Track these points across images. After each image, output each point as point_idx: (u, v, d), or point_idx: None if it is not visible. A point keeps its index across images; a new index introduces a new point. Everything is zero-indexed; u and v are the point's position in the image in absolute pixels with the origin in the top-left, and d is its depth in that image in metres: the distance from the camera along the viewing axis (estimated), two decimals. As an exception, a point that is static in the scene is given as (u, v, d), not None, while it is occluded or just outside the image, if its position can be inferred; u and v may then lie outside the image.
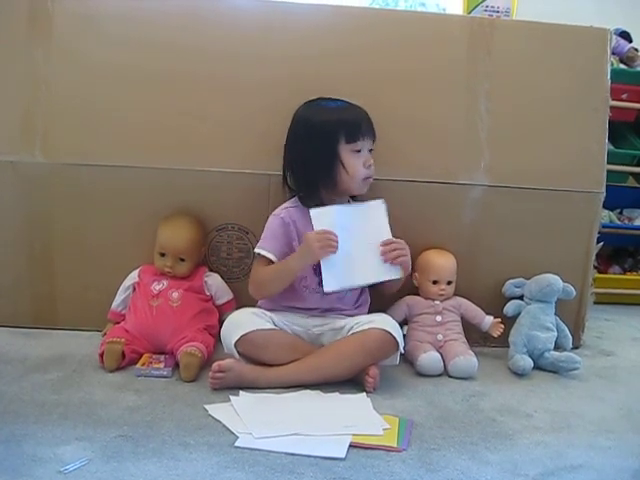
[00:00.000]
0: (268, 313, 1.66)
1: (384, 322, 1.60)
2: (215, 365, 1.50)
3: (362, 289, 1.75)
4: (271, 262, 1.65)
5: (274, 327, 1.62)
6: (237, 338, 1.55)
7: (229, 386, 1.50)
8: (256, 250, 1.68)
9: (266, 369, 1.56)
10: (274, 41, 1.86)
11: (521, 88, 1.92)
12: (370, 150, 1.69)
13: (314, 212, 1.61)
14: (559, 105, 1.94)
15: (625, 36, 2.83)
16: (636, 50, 2.78)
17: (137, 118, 1.83)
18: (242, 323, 1.59)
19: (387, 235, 1.65)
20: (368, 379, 1.55)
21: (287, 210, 1.69)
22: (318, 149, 1.65)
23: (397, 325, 1.62)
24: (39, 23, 1.82)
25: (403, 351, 1.63)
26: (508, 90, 1.92)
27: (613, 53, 2.62)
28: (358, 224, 1.64)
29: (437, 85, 1.90)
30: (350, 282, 1.65)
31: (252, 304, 1.72)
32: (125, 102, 1.83)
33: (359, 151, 1.66)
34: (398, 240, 1.65)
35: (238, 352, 1.57)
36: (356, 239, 1.62)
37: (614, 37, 2.53)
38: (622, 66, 2.73)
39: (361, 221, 1.65)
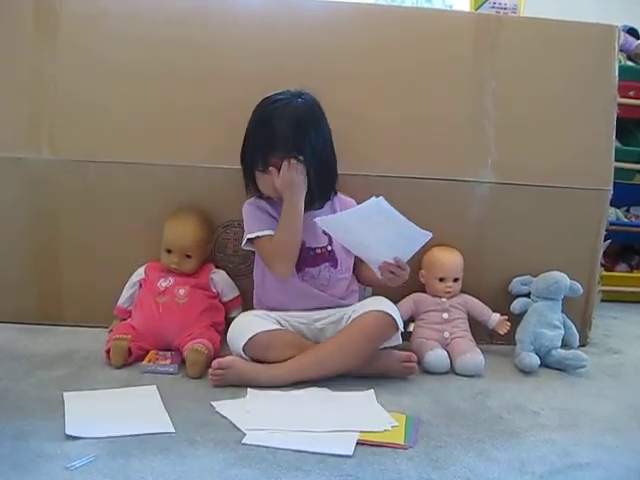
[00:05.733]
0: (272, 314, 1.65)
1: (379, 304, 1.60)
2: (215, 362, 1.50)
3: (351, 277, 1.74)
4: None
5: (279, 327, 1.61)
6: (245, 342, 1.54)
7: (230, 383, 1.50)
8: (250, 235, 1.64)
9: (266, 366, 1.55)
10: (280, 38, 1.86)
11: (528, 85, 1.92)
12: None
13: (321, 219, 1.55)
14: (566, 102, 1.93)
15: (633, 33, 2.83)
16: (644, 47, 2.77)
17: (143, 115, 1.83)
18: (247, 327, 1.58)
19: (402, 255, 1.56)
20: (408, 364, 1.58)
21: (258, 199, 1.70)
22: None
23: (393, 305, 1.62)
24: (46, 20, 1.82)
25: (403, 329, 1.62)
26: (515, 87, 1.91)
27: (621, 50, 2.61)
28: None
29: (443, 82, 1.90)
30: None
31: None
32: (131, 99, 1.82)
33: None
34: (404, 266, 1.57)
35: (246, 355, 1.56)
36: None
37: (622, 34, 2.51)
38: (630, 63, 2.73)
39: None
